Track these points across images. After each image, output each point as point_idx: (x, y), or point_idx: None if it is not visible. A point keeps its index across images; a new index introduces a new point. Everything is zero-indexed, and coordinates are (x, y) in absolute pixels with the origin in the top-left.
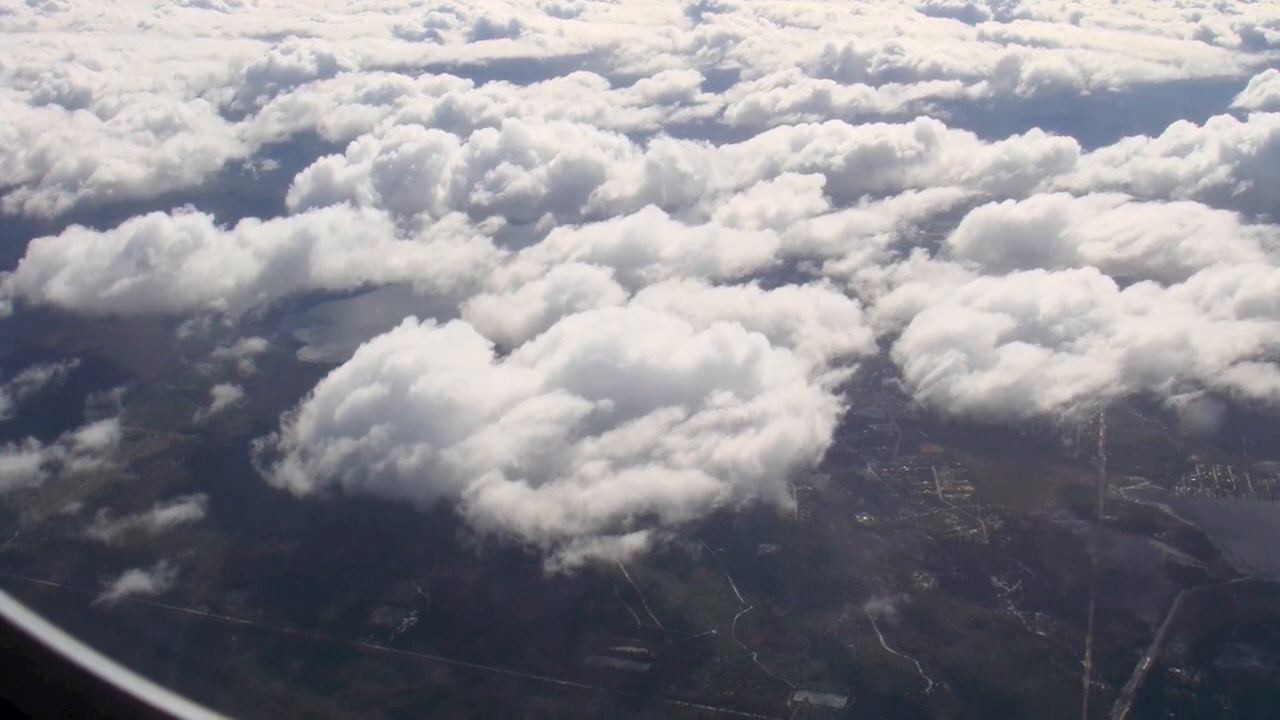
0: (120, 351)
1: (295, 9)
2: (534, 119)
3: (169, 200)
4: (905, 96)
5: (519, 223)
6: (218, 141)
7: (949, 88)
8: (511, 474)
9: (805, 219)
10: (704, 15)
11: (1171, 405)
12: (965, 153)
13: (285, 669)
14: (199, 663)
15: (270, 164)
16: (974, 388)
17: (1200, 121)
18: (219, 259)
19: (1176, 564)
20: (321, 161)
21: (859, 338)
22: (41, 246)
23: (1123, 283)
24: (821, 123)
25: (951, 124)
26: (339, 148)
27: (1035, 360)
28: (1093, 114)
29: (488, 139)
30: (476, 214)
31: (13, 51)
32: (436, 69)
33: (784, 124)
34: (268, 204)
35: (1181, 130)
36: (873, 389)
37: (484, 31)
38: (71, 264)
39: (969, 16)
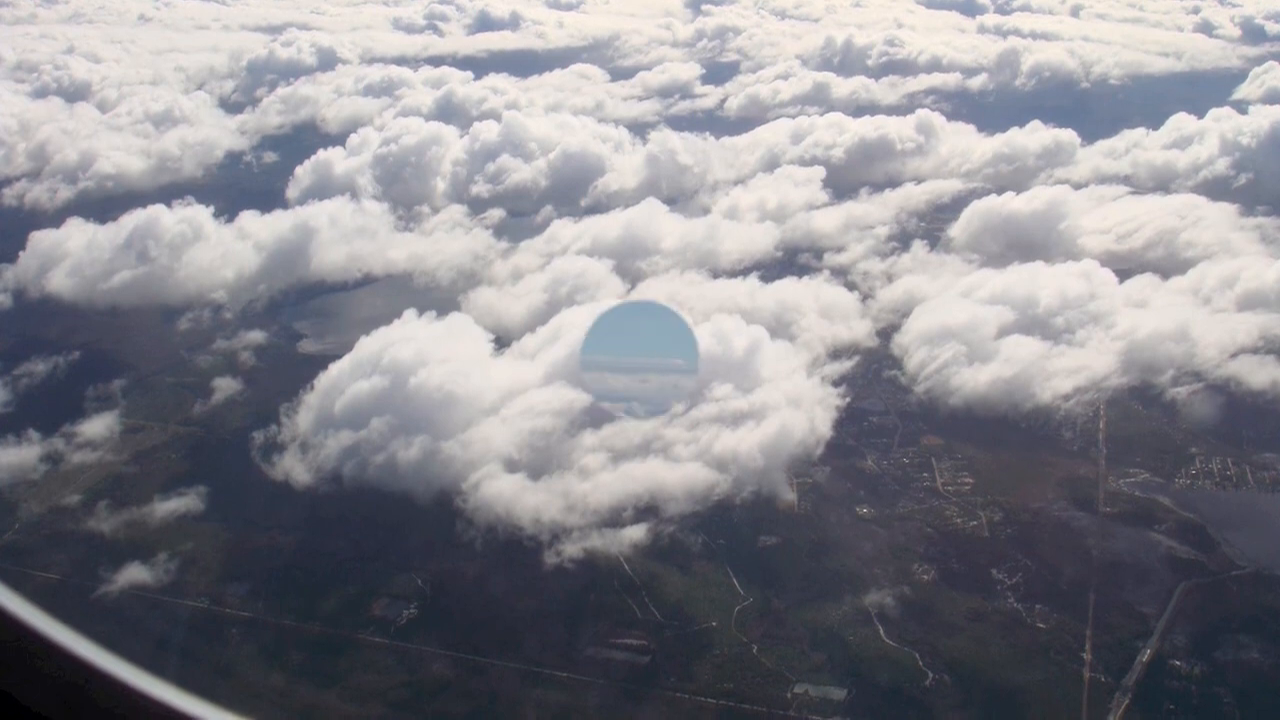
0: (120, 344)
1: (295, 1)
2: (534, 111)
3: (169, 193)
4: (905, 89)
5: (519, 215)
6: (218, 134)
7: (949, 80)
8: (511, 466)
9: (805, 211)
10: (704, 8)
11: (1171, 398)
12: (965, 145)
13: (285, 661)
14: (199, 655)
15: (270, 156)
16: (974, 380)
17: (1200, 114)
18: (219, 251)
19: (1176, 556)
20: (321, 154)
21: (859, 330)
22: (41, 239)
23: (1123, 275)
24: (821, 115)
25: (951, 116)
26: (339, 140)
27: (1035, 352)
28: (1093, 106)
29: (488, 131)
30: (476, 206)
31: (13, 44)
32: (436, 61)
33: (784, 116)
34: (268, 196)
35: (1181, 123)
36: (873, 381)
37: (484, 24)
38: (71, 256)
39: (969, 9)
